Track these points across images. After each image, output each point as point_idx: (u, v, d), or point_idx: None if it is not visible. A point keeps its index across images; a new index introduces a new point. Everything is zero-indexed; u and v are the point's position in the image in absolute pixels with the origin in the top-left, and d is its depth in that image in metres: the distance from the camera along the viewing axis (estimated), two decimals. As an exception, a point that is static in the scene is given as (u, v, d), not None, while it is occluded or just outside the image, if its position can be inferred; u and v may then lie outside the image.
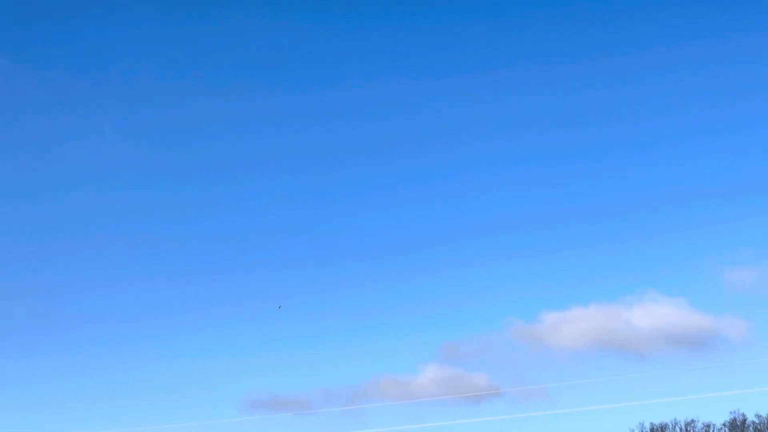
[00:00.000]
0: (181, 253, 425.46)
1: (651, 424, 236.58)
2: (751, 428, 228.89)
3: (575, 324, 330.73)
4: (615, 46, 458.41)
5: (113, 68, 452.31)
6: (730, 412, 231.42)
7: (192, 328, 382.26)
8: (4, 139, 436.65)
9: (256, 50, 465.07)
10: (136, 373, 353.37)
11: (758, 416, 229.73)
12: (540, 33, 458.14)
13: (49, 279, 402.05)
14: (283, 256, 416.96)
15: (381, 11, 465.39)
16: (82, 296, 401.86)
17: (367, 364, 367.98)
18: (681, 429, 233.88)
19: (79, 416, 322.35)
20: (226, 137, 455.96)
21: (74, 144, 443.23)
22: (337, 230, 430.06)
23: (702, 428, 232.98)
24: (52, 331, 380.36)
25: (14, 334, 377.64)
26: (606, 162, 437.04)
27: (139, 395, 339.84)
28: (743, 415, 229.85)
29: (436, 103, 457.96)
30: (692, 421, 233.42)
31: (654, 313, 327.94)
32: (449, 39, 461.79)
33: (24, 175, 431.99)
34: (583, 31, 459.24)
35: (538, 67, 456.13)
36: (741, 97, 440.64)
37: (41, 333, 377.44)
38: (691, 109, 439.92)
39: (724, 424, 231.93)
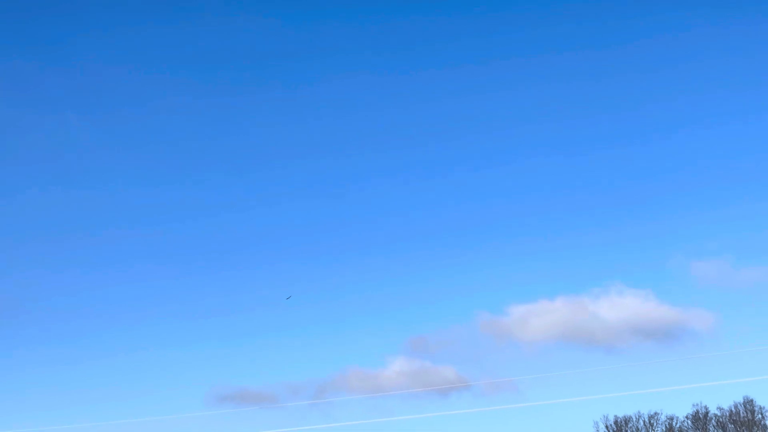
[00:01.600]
0: (146, 249, 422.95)
1: (615, 416, 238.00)
2: (713, 421, 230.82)
3: (542, 317, 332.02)
4: (583, 41, 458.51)
5: (79, 60, 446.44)
6: (693, 405, 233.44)
7: (158, 323, 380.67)
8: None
9: (232, 43, 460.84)
10: (104, 367, 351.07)
11: (720, 409, 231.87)
12: (530, 25, 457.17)
13: (10, 277, 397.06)
14: (249, 251, 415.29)
15: (369, 4, 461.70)
16: (47, 293, 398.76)
17: (335, 358, 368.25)
18: (644, 422, 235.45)
19: (46, 411, 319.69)
20: (195, 131, 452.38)
21: (37, 137, 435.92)
22: (304, 225, 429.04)
23: (665, 421, 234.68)
24: (17, 328, 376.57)
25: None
26: (572, 157, 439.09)
27: (106, 389, 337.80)
28: (706, 408, 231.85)
29: (407, 98, 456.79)
30: (655, 414, 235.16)
31: (620, 306, 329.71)
32: (442, 31, 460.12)
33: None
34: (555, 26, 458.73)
35: (507, 61, 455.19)
36: (707, 92, 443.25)
37: (5, 330, 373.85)
38: (656, 104, 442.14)
39: (687, 417, 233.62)
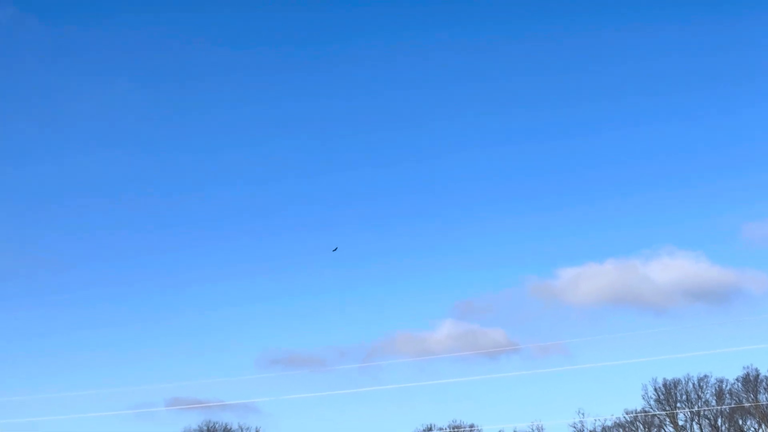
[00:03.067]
0: (201, 211, 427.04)
1: (664, 379, 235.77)
2: (764, 383, 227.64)
3: (592, 279, 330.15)
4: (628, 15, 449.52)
5: (128, 21, 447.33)
6: (744, 368, 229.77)
7: (210, 285, 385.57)
8: (12, 94, 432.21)
9: (284, 16, 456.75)
10: (156, 328, 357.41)
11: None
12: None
13: (61, 236, 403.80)
14: (297, 216, 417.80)
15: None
16: (100, 253, 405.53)
17: (383, 321, 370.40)
18: (694, 384, 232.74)
19: (96, 370, 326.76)
20: (244, 98, 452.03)
21: (86, 99, 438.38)
22: (351, 190, 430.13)
23: (715, 383, 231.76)
24: (70, 288, 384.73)
25: (35, 291, 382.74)
26: (623, 122, 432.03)
27: (156, 351, 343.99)
28: (756, 369, 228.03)
29: (447, 70, 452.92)
30: (705, 376, 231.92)
31: (671, 268, 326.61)
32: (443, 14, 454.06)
33: (34, 130, 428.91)
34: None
35: (544, 37, 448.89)
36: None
37: (60, 289, 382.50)
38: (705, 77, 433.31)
39: (737, 380, 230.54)
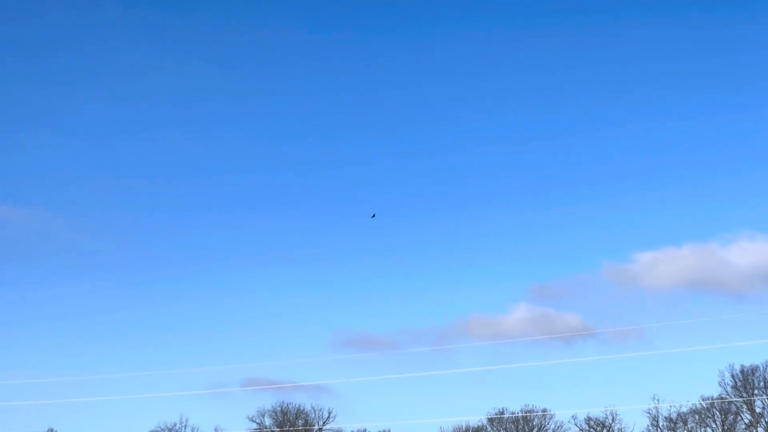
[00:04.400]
0: (274, 193, 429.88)
1: (741, 365, 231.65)
2: None
3: (669, 264, 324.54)
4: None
5: (205, 9, 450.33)
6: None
7: (285, 267, 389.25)
8: (89, 74, 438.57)
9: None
10: (232, 309, 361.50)
11: None
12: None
13: (139, 216, 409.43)
14: (373, 199, 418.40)
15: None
16: (175, 233, 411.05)
17: (457, 304, 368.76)
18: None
19: (173, 351, 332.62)
20: (325, 82, 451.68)
21: (161, 78, 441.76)
22: (426, 173, 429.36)
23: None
24: (143, 269, 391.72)
25: (108, 269, 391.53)
26: (696, 106, 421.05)
27: (234, 331, 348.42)
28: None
29: (507, 56, 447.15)
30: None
31: (751, 252, 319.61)
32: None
33: (110, 110, 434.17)
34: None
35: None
36: None
37: (127, 270, 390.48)
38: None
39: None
